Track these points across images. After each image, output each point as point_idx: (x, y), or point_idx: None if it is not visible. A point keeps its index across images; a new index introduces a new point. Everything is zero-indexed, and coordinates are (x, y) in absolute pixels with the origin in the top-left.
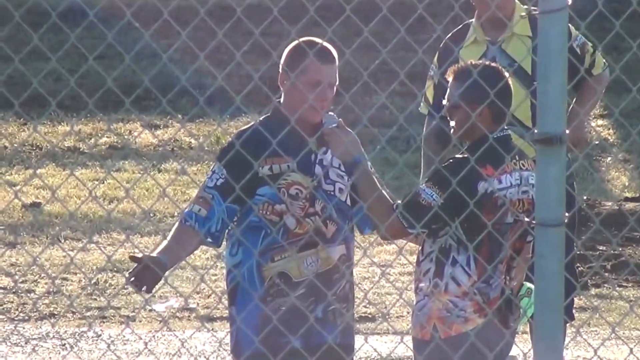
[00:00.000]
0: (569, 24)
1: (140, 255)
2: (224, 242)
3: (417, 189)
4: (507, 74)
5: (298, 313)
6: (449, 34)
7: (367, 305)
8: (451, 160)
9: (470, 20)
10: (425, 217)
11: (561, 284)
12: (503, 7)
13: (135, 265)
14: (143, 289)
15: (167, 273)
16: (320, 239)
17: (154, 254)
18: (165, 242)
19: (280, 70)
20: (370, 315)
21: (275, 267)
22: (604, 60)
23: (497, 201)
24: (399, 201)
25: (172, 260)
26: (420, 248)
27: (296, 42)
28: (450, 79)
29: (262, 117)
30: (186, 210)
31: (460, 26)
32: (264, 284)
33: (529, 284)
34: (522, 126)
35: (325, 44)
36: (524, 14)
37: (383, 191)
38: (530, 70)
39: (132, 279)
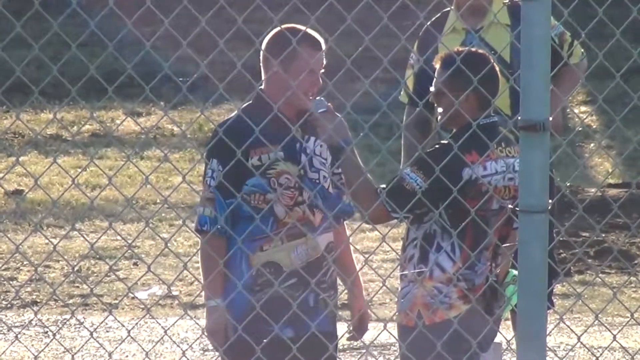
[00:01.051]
0: None
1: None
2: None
3: (401, 174)
4: (492, 60)
5: (289, 302)
6: (428, 22)
7: None
8: (437, 146)
9: (449, 9)
10: (409, 202)
11: (545, 271)
12: None
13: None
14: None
15: (151, 262)
16: (309, 227)
17: (214, 307)
18: (205, 269)
19: (263, 56)
20: None
21: (264, 256)
22: (582, 50)
23: (482, 188)
24: (383, 186)
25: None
26: (404, 234)
27: (281, 29)
28: (437, 66)
29: (245, 104)
30: (200, 214)
31: (439, 14)
32: (253, 273)
33: (514, 271)
34: (501, 114)
35: (311, 30)
36: (506, 1)
37: (368, 176)
38: (509, 59)
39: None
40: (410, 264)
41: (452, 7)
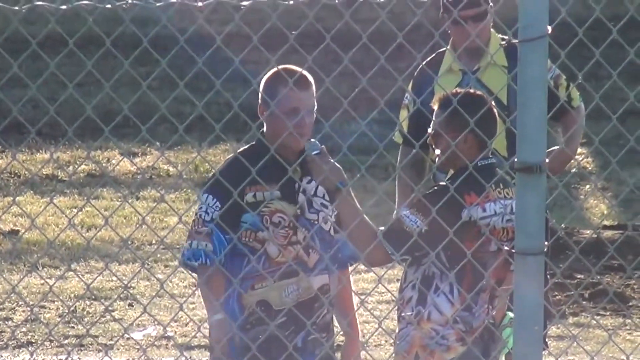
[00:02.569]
0: None
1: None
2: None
3: (400, 216)
4: (490, 102)
5: (278, 342)
6: (423, 62)
7: None
8: (436, 188)
9: (444, 49)
10: (409, 244)
11: (540, 313)
12: (478, 35)
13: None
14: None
15: (147, 303)
16: (302, 267)
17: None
18: (207, 298)
19: (259, 100)
20: None
21: (256, 295)
22: (579, 93)
23: (481, 229)
24: (382, 228)
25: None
26: (402, 275)
27: (271, 71)
28: (435, 107)
29: (248, 145)
30: (190, 249)
31: (434, 54)
32: (243, 312)
33: (511, 314)
34: (497, 155)
35: (298, 69)
36: (503, 42)
37: (365, 218)
38: (505, 100)
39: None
40: (409, 305)
41: (448, 48)
